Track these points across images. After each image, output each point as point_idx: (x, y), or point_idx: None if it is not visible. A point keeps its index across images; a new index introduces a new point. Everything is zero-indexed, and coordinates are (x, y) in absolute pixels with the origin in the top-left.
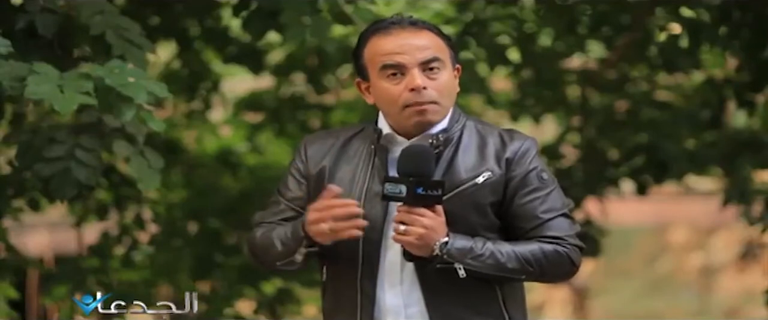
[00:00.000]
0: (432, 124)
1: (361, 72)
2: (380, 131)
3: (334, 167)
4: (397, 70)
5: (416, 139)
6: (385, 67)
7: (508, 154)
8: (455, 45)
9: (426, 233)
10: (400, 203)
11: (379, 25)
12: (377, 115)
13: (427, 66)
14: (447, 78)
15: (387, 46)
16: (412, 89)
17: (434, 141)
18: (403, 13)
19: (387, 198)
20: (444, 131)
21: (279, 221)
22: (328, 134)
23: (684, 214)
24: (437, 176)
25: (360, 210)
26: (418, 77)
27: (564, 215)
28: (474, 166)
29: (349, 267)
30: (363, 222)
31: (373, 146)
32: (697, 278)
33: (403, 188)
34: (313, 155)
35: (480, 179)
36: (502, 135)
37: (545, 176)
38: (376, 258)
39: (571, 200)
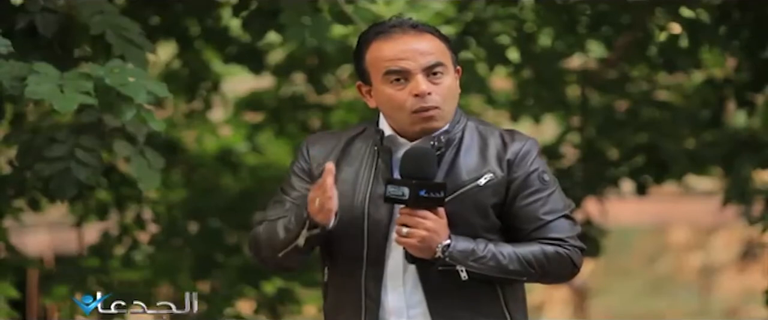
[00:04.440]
0: (436, 130)
1: (362, 76)
2: (382, 133)
3: (337, 169)
4: (401, 76)
5: (418, 141)
6: (388, 72)
7: (509, 155)
8: (455, 47)
9: (428, 235)
10: (402, 205)
11: (380, 29)
12: (378, 116)
13: (430, 71)
14: (450, 82)
15: (390, 51)
16: (417, 95)
17: (436, 143)
18: (402, 15)
19: (389, 200)
20: (445, 132)
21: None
22: (329, 135)
23: (684, 214)
24: (439, 177)
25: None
26: (422, 83)
27: (565, 216)
28: (475, 168)
29: (353, 269)
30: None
31: (375, 148)
32: (697, 278)
33: (406, 191)
34: (316, 156)
35: (482, 181)
36: (503, 136)
37: (547, 177)
38: (381, 260)
39: (571, 201)
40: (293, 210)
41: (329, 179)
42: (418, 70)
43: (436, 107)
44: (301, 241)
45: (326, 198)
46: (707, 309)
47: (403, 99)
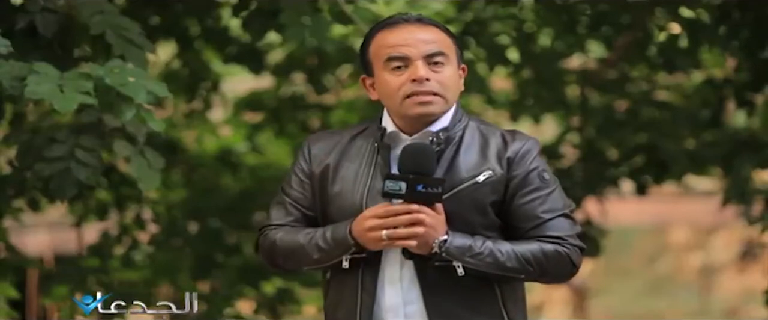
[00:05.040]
0: (433, 116)
1: (366, 68)
2: (384, 129)
3: (338, 166)
4: (402, 62)
5: (417, 136)
6: (390, 59)
7: (509, 153)
8: (461, 44)
9: (425, 230)
10: (400, 201)
11: (387, 21)
12: (381, 113)
13: (431, 59)
14: (451, 73)
15: (393, 39)
16: (415, 80)
17: (435, 139)
18: (409, 13)
19: (387, 195)
20: (445, 129)
21: (291, 223)
22: (331, 133)
23: (684, 214)
24: (439, 174)
25: (424, 216)
26: (421, 68)
27: (565, 215)
28: (475, 165)
29: (351, 265)
30: (421, 230)
31: (376, 144)
32: (697, 278)
33: (403, 186)
34: (317, 154)
35: (481, 178)
36: (504, 135)
37: (547, 176)
38: (378, 256)
39: (572, 201)
40: (294, 213)
41: (419, 215)
42: (419, 57)
43: (434, 93)
44: (345, 265)
45: (402, 236)
46: (707, 309)
47: (401, 84)
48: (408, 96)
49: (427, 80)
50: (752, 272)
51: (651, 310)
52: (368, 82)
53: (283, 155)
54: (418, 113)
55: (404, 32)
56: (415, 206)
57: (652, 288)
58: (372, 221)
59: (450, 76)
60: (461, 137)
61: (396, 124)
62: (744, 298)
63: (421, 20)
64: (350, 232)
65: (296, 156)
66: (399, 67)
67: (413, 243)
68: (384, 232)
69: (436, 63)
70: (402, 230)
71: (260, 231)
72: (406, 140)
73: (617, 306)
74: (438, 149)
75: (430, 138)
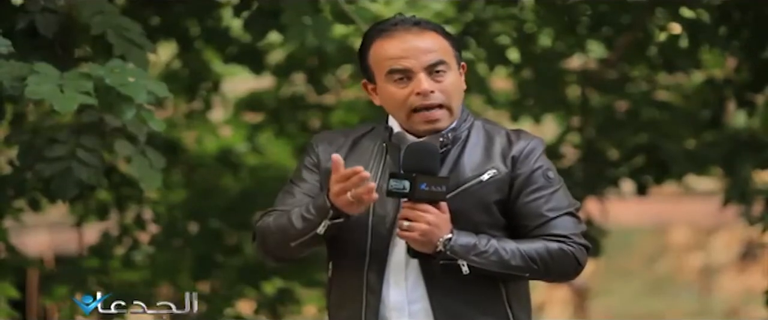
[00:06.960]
0: (441, 130)
1: (366, 74)
2: (391, 130)
3: (345, 166)
4: (404, 74)
5: (425, 138)
6: (391, 71)
7: (514, 152)
8: (459, 43)
9: (429, 229)
10: (406, 200)
11: (383, 27)
12: (387, 114)
13: (433, 69)
14: (453, 79)
15: (392, 50)
16: (419, 93)
17: (443, 139)
18: (404, 14)
19: (391, 194)
20: (452, 129)
21: (292, 206)
22: (337, 134)
23: (684, 214)
24: (443, 173)
25: (366, 174)
26: (424, 82)
27: (569, 213)
28: (480, 164)
29: (356, 262)
30: (372, 185)
31: (384, 144)
32: (697, 278)
33: (407, 184)
34: (325, 151)
35: (485, 177)
36: (509, 134)
37: (551, 175)
38: (384, 254)
39: (577, 200)
40: (302, 200)
41: (364, 173)
42: (420, 69)
43: (440, 105)
44: (321, 230)
45: (366, 191)
46: (707, 310)
47: (406, 97)
48: (414, 110)
49: (432, 92)
50: (752, 272)
51: (651, 310)
52: (370, 87)
53: (283, 155)
54: (426, 130)
55: (403, 41)
56: (421, 206)
57: (653, 288)
58: (336, 187)
59: (452, 83)
60: (467, 137)
61: (402, 126)
62: (744, 298)
63: (418, 24)
64: (328, 197)
65: (304, 153)
66: (401, 79)
67: (374, 196)
68: (349, 194)
69: (437, 72)
70: (361, 189)
71: (260, 217)
72: (415, 140)
73: (617, 306)
74: (444, 149)
75: (440, 139)
